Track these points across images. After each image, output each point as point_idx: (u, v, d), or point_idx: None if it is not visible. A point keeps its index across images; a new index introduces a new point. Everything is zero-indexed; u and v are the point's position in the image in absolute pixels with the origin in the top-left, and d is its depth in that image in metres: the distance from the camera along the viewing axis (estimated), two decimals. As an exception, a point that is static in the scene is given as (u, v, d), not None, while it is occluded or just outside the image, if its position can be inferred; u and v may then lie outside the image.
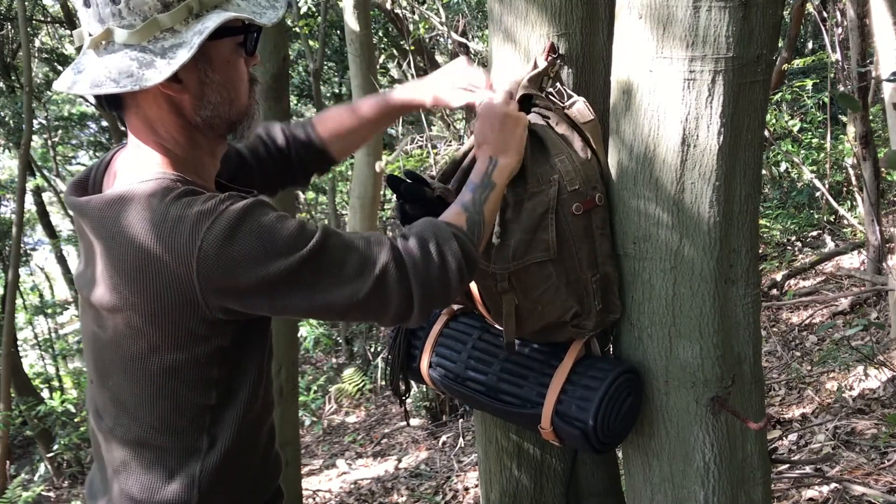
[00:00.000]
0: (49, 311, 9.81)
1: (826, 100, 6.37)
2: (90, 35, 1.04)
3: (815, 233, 6.62)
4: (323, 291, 1.04)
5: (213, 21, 1.02)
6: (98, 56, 1.03)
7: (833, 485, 2.77)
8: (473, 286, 1.43)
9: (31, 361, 9.73)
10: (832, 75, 6.02)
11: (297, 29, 7.81)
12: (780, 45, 5.20)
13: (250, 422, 1.16)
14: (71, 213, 1.14)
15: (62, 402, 6.14)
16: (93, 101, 1.11)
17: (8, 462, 6.13)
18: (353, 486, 4.53)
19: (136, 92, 1.04)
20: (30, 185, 8.76)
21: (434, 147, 6.76)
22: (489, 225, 1.22)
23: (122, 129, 1.15)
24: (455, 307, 1.57)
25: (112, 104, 1.09)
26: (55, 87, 1.06)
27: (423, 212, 1.26)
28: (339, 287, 1.04)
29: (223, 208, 1.00)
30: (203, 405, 1.10)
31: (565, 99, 1.39)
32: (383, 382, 6.18)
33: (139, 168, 1.09)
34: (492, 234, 1.30)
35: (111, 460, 1.16)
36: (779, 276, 5.68)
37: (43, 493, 5.67)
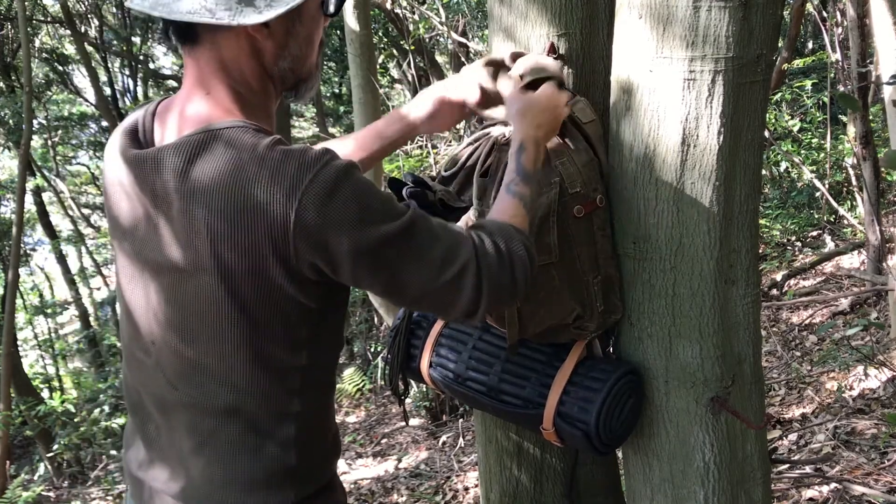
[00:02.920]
0: (49, 311, 9.83)
1: (826, 100, 6.37)
2: None
3: (815, 233, 6.62)
4: (404, 270, 1.01)
5: None
6: None
7: (833, 485, 2.77)
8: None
9: (31, 361, 9.74)
10: (832, 75, 6.02)
11: (297, 29, 7.79)
12: (780, 45, 5.20)
13: (327, 388, 1.16)
14: (122, 167, 1.05)
15: (62, 402, 6.15)
16: (162, 30, 1.02)
17: (8, 462, 6.13)
18: (353, 486, 4.53)
19: (218, 28, 0.98)
20: (30, 185, 8.77)
21: (434, 147, 6.76)
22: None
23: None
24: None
25: (184, 36, 1.01)
26: (131, 5, 0.99)
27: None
28: (419, 271, 1.01)
29: (324, 162, 0.95)
30: (293, 366, 1.07)
31: (565, 99, 1.39)
32: (383, 382, 6.18)
33: (211, 113, 1.02)
34: None
35: (195, 432, 1.09)
36: (779, 276, 5.68)
37: (43, 493, 5.67)
